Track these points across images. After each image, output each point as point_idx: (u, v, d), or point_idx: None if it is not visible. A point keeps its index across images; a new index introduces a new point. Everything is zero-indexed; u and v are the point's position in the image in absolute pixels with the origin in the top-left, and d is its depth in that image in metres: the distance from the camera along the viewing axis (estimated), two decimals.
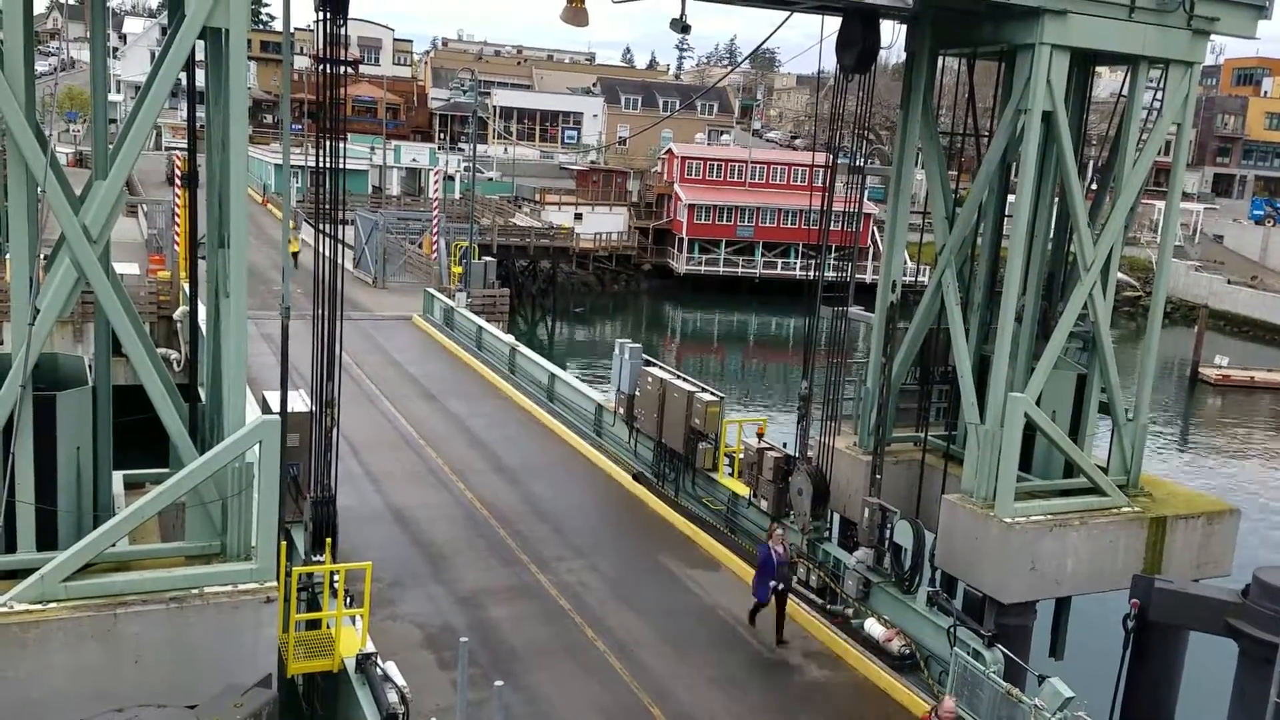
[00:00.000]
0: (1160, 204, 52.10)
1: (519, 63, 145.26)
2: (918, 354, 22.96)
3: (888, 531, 18.86)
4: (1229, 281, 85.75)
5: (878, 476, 20.97)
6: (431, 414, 31.51)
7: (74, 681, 13.44)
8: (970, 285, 22.38)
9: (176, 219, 40.72)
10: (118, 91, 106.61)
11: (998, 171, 21.24)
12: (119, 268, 20.58)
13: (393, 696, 14.67)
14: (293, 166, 18.66)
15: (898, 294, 22.14)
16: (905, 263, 22.98)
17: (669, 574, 21.55)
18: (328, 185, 17.06)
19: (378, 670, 15.21)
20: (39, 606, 13.48)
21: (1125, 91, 20.45)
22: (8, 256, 15.32)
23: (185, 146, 17.34)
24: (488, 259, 52.19)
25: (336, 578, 17.11)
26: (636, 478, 26.20)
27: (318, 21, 16.53)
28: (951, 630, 17.07)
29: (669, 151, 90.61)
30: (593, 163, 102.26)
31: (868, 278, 53.25)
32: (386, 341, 40.47)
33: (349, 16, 16.76)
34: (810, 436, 21.53)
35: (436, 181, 60.64)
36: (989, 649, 16.47)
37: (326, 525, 18.19)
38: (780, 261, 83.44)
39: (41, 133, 13.95)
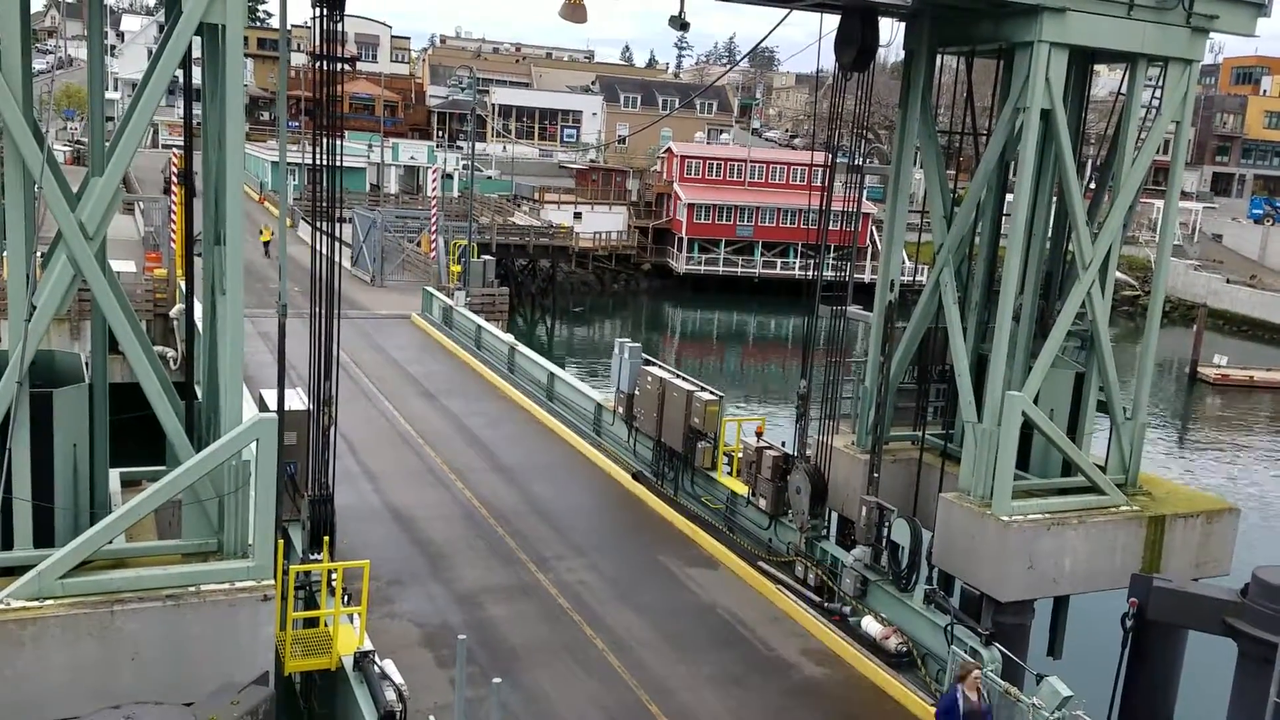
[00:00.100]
0: (1159, 203, 52.19)
1: (517, 60, 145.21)
2: (916, 353, 22.96)
3: (885, 530, 18.84)
4: (1228, 280, 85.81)
5: (875, 475, 20.97)
6: (430, 413, 31.49)
7: (71, 679, 13.43)
8: (968, 284, 22.38)
9: (173, 216, 40.66)
10: (115, 89, 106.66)
11: (996, 170, 21.22)
12: (116, 265, 20.55)
13: (390, 694, 14.64)
14: (290, 164, 18.63)
15: (896, 293, 22.13)
16: (903, 262, 22.95)
17: (668, 573, 21.54)
18: (325, 183, 17.04)
19: (375, 668, 15.19)
20: (35, 603, 13.46)
21: (1124, 90, 20.44)
22: (4, 254, 15.30)
23: (182, 144, 17.31)
24: (487, 258, 52.18)
25: (334, 576, 17.10)
26: (636, 477, 26.20)
27: (314, 18, 16.50)
28: (949, 628, 17.06)
29: (668, 150, 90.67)
30: (592, 161, 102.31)
31: (866, 277, 53.29)
32: (385, 340, 40.44)
33: (346, 13, 16.74)
34: (809, 435, 21.54)
35: (435, 180, 60.64)
36: (986, 647, 16.45)
37: (324, 523, 18.19)
38: (779, 261, 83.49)
39: (39, 130, 13.93)
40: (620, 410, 27.52)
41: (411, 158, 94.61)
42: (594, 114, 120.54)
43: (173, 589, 14.08)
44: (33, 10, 14.85)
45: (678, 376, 25.74)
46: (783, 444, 22.83)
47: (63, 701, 13.32)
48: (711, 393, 24.47)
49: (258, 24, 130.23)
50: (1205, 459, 49.09)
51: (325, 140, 16.86)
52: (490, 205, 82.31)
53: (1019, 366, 20.98)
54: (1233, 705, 17.05)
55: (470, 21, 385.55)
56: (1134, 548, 20.18)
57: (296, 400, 19.49)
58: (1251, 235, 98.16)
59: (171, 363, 32.33)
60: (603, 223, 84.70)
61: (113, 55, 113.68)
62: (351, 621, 16.55)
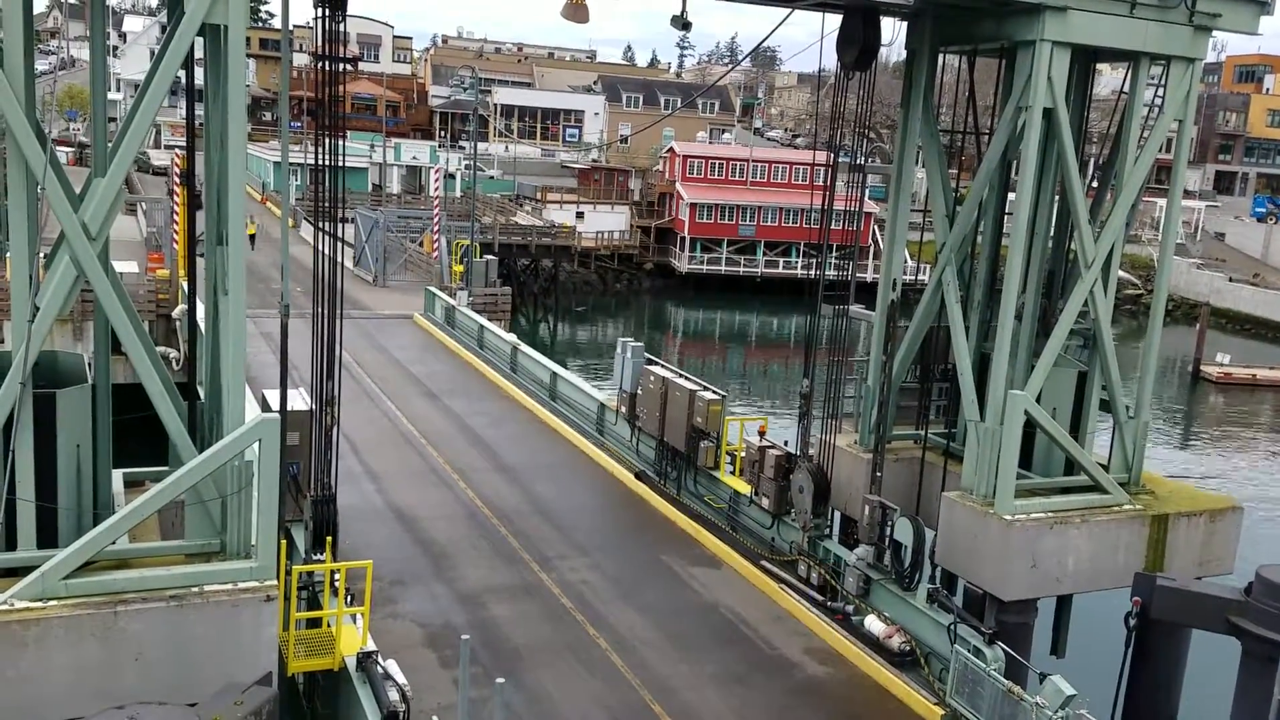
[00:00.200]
0: (1161, 201, 52.19)
1: (519, 60, 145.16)
2: (918, 352, 22.95)
3: (888, 529, 18.84)
4: (1231, 279, 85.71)
5: (878, 474, 20.95)
6: (433, 413, 31.50)
7: (74, 679, 13.45)
8: (970, 283, 22.37)
9: (175, 217, 40.70)
10: (117, 90, 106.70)
11: (998, 169, 21.21)
12: (118, 266, 20.57)
13: (394, 695, 14.66)
14: (292, 164, 18.64)
15: (898, 292, 22.12)
16: (906, 261, 22.98)
17: (671, 572, 21.54)
18: (327, 183, 17.05)
19: (379, 669, 15.20)
20: (39, 604, 13.48)
21: (1126, 88, 20.42)
22: (8, 254, 15.31)
23: (184, 144, 17.33)
24: (489, 257, 52.15)
25: (337, 576, 17.12)
26: (639, 476, 26.19)
27: (317, 18, 16.52)
28: (952, 628, 17.06)
29: (670, 150, 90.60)
30: (594, 161, 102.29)
31: (868, 276, 53.33)
32: (387, 340, 40.46)
33: (348, 13, 16.75)
34: (811, 434, 21.55)
35: (437, 179, 60.62)
36: (990, 646, 16.44)
37: (327, 524, 18.21)
38: (782, 260, 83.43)
39: (41, 131, 13.94)
40: (623, 410, 27.52)
41: (414, 158, 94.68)
42: (596, 114, 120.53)
43: (176, 589, 14.10)
44: (35, 11, 14.87)
45: (680, 376, 25.73)
46: (785, 443, 22.84)
47: (66, 702, 13.34)
48: (714, 392, 24.47)
49: (260, 24, 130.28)
50: (1208, 458, 49.03)
51: (327, 140, 16.87)
52: (493, 205, 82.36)
53: (1021, 365, 20.97)
54: (1236, 704, 17.03)
55: (472, 21, 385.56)
56: (1137, 546, 20.16)
57: (299, 400, 19.51)
58: (1254, 234, 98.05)
59: (174, 363, 32.37)
60: (605, 222, 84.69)
61: (115, 56, 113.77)
62: (354, 622, 16.55)
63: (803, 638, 19.17)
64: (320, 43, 16.47)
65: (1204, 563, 20.90)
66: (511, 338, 37.75)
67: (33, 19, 14.16)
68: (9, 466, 13.70)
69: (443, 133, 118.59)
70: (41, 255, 14.51)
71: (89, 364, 16.11)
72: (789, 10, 20.11)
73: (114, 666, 13.65)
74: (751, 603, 20.34)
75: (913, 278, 51.27)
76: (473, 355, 38.39)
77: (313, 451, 18.56)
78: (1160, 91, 20.42)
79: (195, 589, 14.19)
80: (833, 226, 20.99)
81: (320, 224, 17.34)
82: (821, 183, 21.05)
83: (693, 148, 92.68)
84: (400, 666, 15.40)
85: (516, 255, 71.99)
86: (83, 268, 13.97)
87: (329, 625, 16.33)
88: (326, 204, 17.18)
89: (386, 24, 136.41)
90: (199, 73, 15.28)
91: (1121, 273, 28.33)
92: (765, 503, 21.99)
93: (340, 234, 17.78)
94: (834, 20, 20.58)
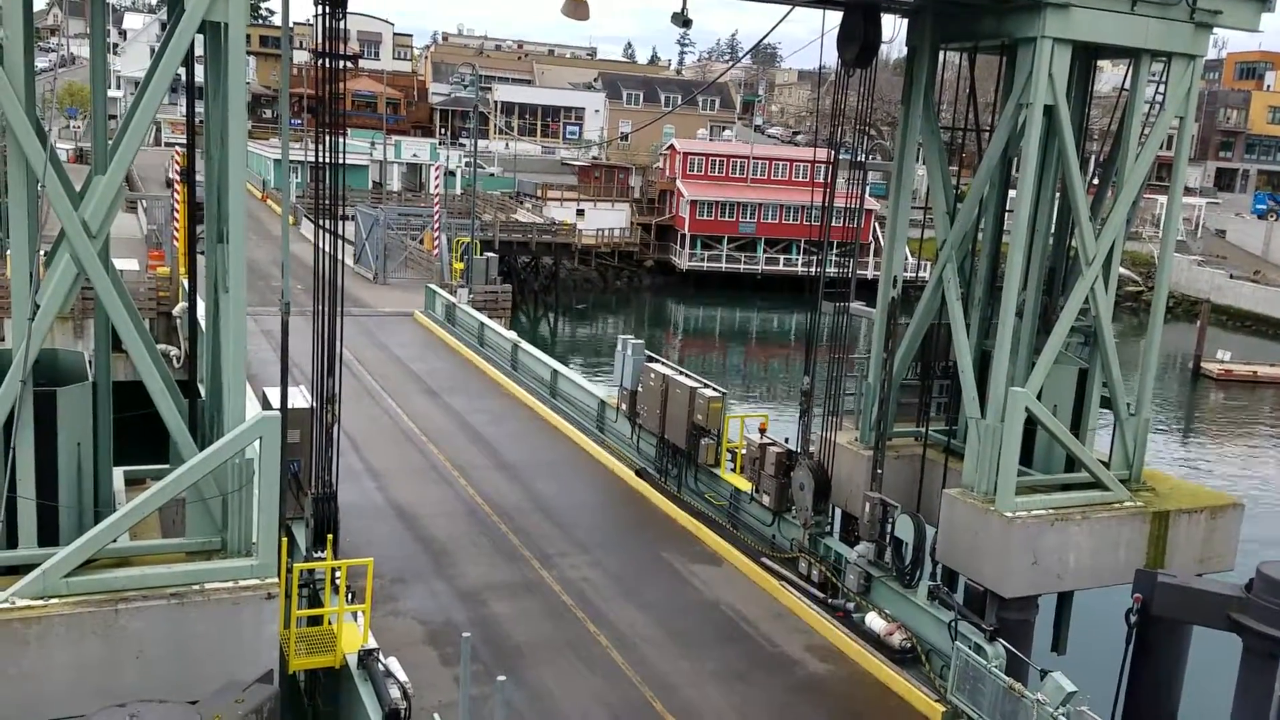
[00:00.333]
0: (1162, 198, 52.02)
1: (520, 58, 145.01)
2: (919, 349, 22.95)
3: (889, 526, 18.84)
4: (1231, 276, 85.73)
5: (879, 471, 20.94)
6: (433, 410, 31.50)
7: (75, 677, 13.45)
8: (971, 280, 22.36)
9: (176, 214, 40.69)
10: (117, 87, 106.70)
11: (999, 166, 21.20)
12: (118, 263, 20.55)
13: (395, 692, 14.66)
14: (292, 161, 18.64)
15: (899, 289, 22.11)
16: (906, 258, 22.95)
17: (671, 569, 21.54)
18: (328, 180, 17.04)
19: (380, 666, 15.21)
20: (40, 602, 13.48)
21: (1127, 85, 20.40)
22: (8, 252, 15.31)
23: (184, 142, 17.32)
24: (489, 255, 52.16)
25: (338, 574, 17.12)
26: (639, 473, 26.20)
27: (317, 16, 16.50)
28: (953, 624, 17.06)
29: (671, 147, 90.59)
30: (595, 158, 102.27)
31: (869, 273, 53.27)
32: (388, 338, 40.46)
33: (348, 10, 16.74)
34: (812, 431, 21.54)
35: (437, 177, 60.62)
36: (990, 643, 16.45)
37: (328, 521, 18.21)
38: (782, 258, 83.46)
39: (41, 128, 13.94)
40: (623, 407, 27.52)
41: (414, 155, 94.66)
42: (596, 111, 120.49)
43: (177, 587, 14.10)
44: (35, 8, 14.86)
45: (681, 373, 25.73)
46: (786, 440, 22.82)
47: (67, 700, 13.34)
48: (715, 389, 24.46)
49: (260, 21, 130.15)
50: (1209, 454, 49.04)
51: (327, 138, 16.86)
52: (493, 202, 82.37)
53: (1022, 362, 20.97)
54: (1237, 700, 17.04)
55: (472, 19, 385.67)
56: (1138, 543, 20.17)
57: (300, 398, 19.50)
58: (1255, 231, 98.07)
59: (175, 361, 32.37)
60: (605, 220, 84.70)
61: (115, 53, 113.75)
62: (355, 619, 16.56)
63: (803, 635, 19.18)
64: (320, 40, 16.46)
65: (1205, 559, 20.90)
66: (512, 335, 37.76)
67: (33, 16, 14.15)
68: (10, 465, 13.70)
69: (443, 130, 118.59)
70: (42, 253, 14.50)
71: (89, 362, 16.11)
72: (789, 7, 20.10)
73: (115, 664, 13.65)
74: (752, 600, 20.35)
75: (913, 275, 51.33)
76: (473, 353, 38.39)
77: (313, 449, 18.57)
78: (1161, 88, 20.40)
79: (196, 587, 14.18)
80: (833, 224, 20.98)
81: (321, 221, 17.34)
82: (822, 180, 21.04)
83: (693, 145, 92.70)
84: (401, 664, 15.41)
85: (517, 253, 72.01)
86: (83, 265, 13.96)
87: (330, 623, 16.34)
88: (327, 201, 17.18)
89: (387, 21, 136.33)
90: (199, 70, 15.27)
91: (1122, 270, 28.33)
92: (766, 500, 22.00)
93: (341, 231, 17.78)
94: (834, 17, 20.58)
